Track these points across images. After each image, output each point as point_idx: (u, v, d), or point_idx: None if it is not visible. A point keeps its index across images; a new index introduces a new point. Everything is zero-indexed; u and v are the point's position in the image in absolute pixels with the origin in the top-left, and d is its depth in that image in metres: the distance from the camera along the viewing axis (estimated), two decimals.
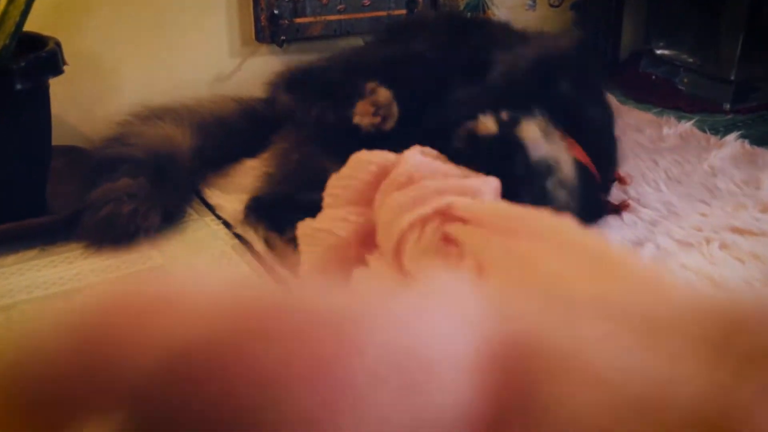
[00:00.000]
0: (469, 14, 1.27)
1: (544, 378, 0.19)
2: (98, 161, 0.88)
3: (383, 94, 0.78)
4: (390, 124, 0.79)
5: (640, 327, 0.20)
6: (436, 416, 0.19)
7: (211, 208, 0.93)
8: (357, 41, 1.16)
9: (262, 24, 1.16)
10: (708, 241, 0.82)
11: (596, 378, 0.19)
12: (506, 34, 1.00)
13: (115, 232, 0.80)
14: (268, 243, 0.82)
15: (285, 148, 0.94)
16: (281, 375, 0.18)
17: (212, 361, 0.19)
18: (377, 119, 0.77)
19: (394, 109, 0.78)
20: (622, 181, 0.94)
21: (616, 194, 0.95)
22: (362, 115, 0.77)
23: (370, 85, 0.79)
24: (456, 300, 0.21)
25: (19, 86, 0.77)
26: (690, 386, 0.18)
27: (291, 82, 0.97)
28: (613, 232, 0.84)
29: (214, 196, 0.95)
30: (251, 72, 1.16)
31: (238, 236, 0.85)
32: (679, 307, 0.22)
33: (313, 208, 0.79)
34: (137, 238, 0.82)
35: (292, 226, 0.77)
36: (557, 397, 0.19)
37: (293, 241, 0.75)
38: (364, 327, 0.20)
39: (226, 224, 0.88)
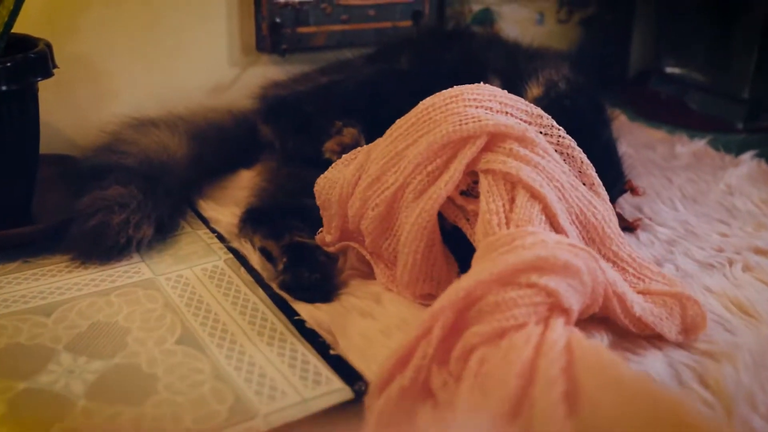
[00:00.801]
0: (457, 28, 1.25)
1: None
2: (88, 168, 0.84)
3: (348, 134, 0.84)
4: None
5: None
6: None
7: (205, 221, 0.88)
8: (360, 52, 1.12)
9: (264, 33, 1.12)
10: (731, 262, 0.77)
11: None
12: (493, 47, 0.98)
13: (104, 244, 0.76)
14: (264, 252, 0.78)
15: (273, 165, 0.95)
16: None
17: None
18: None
19: (361, 144, 0.82)
20: (634, 191, 0.88)
21: (629, 210, 0.91)
22: (331, 153, 0.83)
23: (338, 124, 0.84)
24: None
25: (4, 87, 0.73)
26: None
27: (268, 113, 0.99)
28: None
29: (208, 208, 0.90)
30: (251, 82, 1.12)
31: (232, 250, 0.81)
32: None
33: (307, 213, 0.77)
34: (128, 250, 0.78)
35: (290, 233, 0.76)
36: None
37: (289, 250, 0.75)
38: None
39: (221, 238, 0.84)
